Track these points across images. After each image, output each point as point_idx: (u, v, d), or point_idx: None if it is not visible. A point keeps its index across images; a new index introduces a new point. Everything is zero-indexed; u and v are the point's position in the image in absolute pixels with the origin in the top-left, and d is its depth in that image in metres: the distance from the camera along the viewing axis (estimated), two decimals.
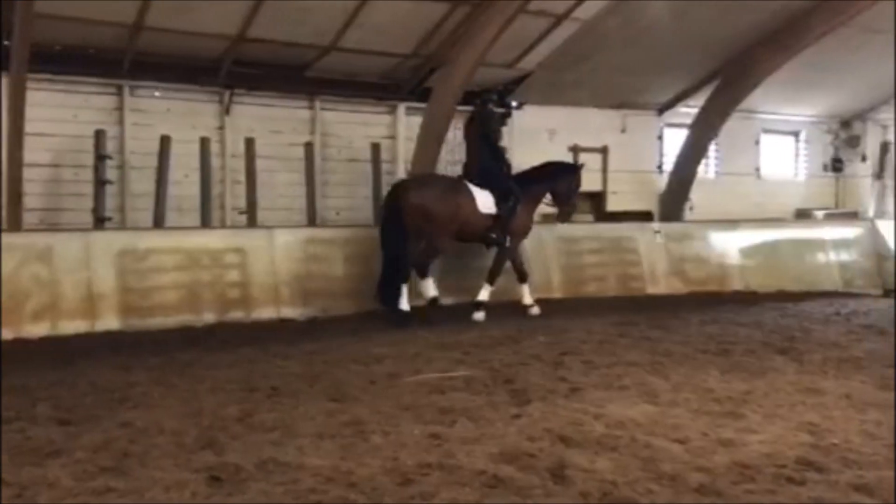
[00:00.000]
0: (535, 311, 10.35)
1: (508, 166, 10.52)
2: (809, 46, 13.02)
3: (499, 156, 10.30)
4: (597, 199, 14.97)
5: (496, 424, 5.40)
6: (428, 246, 9.68)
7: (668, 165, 15.40)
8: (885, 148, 17.08)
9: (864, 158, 17.24)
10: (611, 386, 6.55)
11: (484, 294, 10.09)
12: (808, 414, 5.68)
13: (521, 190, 10.07)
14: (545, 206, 10.91)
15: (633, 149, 15.22)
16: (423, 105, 12.36)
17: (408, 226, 9.45)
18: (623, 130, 15.12)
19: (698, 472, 4.45)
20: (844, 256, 14.01)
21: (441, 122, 11.68)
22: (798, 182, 17.45)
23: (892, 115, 16.69)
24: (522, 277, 10.44)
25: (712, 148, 15.79)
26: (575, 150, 14.67)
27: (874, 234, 14.35)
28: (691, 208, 15.01)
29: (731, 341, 8.67)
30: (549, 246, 12.12)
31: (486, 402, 5.99)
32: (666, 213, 14.67)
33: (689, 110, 15.06)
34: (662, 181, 15.34)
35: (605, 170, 15.02)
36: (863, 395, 6.25)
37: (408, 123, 13.05)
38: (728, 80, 13.98)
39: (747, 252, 13.46)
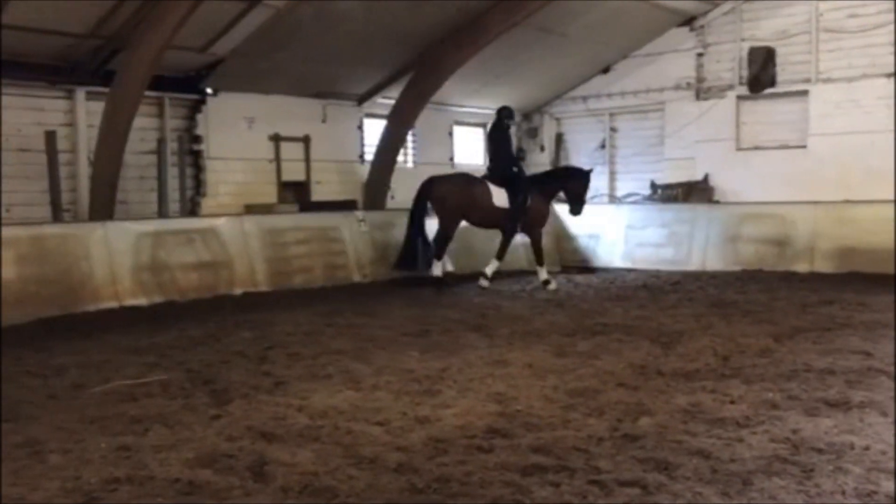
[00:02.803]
0: (553, 286, 11.82)
1: (520, 168, 12.36)
2: (490, 43, 13.96)
3: (512, 160, 12.27)
4: (301, 189, 14.88)
5: (194, 428, 5.14)
6: (443, 228, 11.85)
7: (370, 155, 15.72)
8: (559, 139, 18.89)
9: (542, 148, 18.91)
10: (315, 376, 6.53)
11: (491, 267, 12.14)
12: (496, 385, 6.09)
13: (536, 188, 11.96)
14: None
15: (335, 138, 15.34)
16: (107, 90, 11.38)
17: (436, 212, 11.88)
18: (324, 120, 15.16)
19: (397, 452, 4.56)
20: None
21: (126, 108, 10.84)
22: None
23: (564, 109, 18.50)
24: (540, 260, 12.20)
25: (410, 138, 16.39)
26: (276, 139, 14.46)
27: (552, 216, 15.80)
28: (392, 196, 15.47)
29: (430, 322, 9.07)
30: (253, 238, 11.83)
31: (183, 406, 5.68)
32: (369, 202, 14.97)
33: (387, 101, 15.48)
34: (365, 170, 15.63)
35: (307, 159, 14.97)
36: (543, 363, 6.83)
37: (90, 110, 11.98)
38: (420, 74, 14.57)
39: None
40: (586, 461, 4.36)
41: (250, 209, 13.30)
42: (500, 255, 12.25)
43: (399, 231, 13.64)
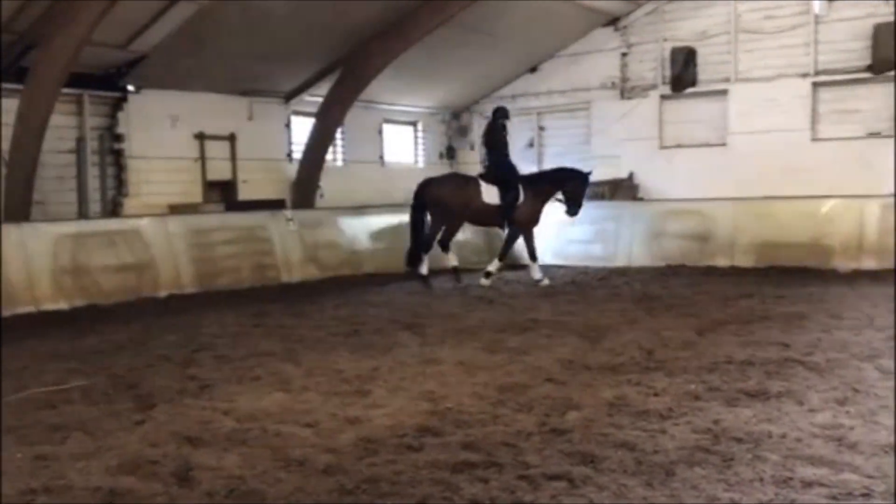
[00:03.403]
0: (546, 282, 11.99)
1: (510, 167, 12.35)
2: (418, 42, 13.98)
3: (503, 159, 12.37)
4: (227, 188, 14.63)
5: (116, 434, 5.00)
6: (447, 228, 12.33)
7: (298, 153, 15.56)
8: None
9: (472, 147, 19.03)
10: (243, 378, 6.43)
11: (493, 266, 12.34)
12: (427, 383, 6.10)
13: (531, 187, 12.19)
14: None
15: (262, 137, 15.12)
16: (21, 87, 10.97)
17: (430, 212, 12.14)
18: (250, 118, 14.94)
19: (326, 454, 4.52)
20: (459, 236, 15.25)
21: (42, 106, 10.47)
22: (418, 169, 18.68)
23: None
24: (533, 257, 12.31)
25: (339, 136, 16.28)
26: (201, 137, 14.17)
27: None
28: (322, 195, 15.34)
29: (361, 322, 9.02)
30: (178, 239, 11.58)
31: (106, 412, 5.52)
32: (298, 201, 14.81)
33: (315, 99, 15.34)
34: (293, 169, 15.46)
35: (234, 158, 14.73)
36: (474, 361, 6.87)
37: (4, 108, 11.51)
38: (348, 71, 14.49)
39: (376, 236, 14.13)
40: (515, 456, 4.41)
41: (175, 209, 13.02)
42: (503, 255, 12.48)
43: (329, 230, 13.58)
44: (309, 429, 5.02)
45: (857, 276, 11.75)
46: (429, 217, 12.22)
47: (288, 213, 13.43)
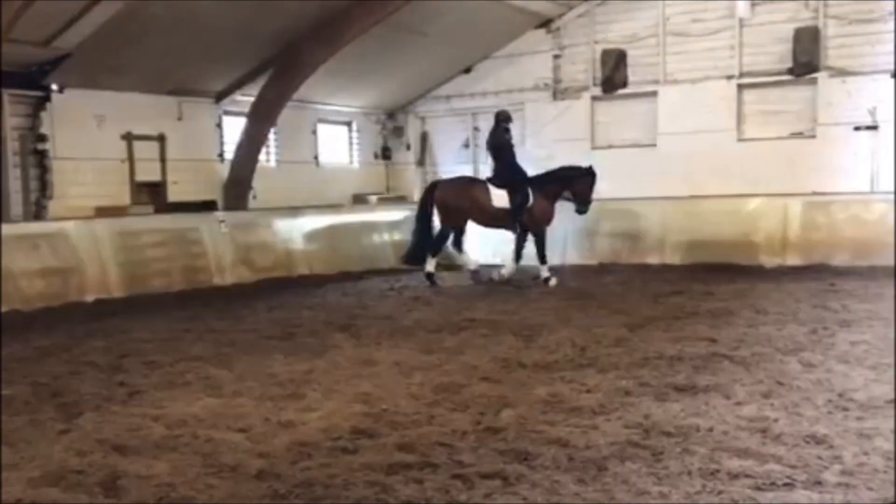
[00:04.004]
0: (553, 282, 11.98)
1: (517, 170, 12.42)
2: (352, 41, 13.88)
3: (510, 163, 12.40)
4: (156, 189, 14.29)
5: (39, 445, 4.85)
6: (454, 229, 12.55)
7: (230, 154, 15.29)
8: (424, 138, 19.04)
9: (408, 147, 19.00)
10: (173, 384, 6.30)
11: (507, 269, 12.49)
12: (362, 385, 6.07)
13: (539, 188, 12.26)
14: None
15: (192, 137, 14.80)
16: None
17: (438, 214, 12.50)
18: (180, 118, 14.60)
19: (259, 459, 4.46)
20: (396, 237, 15.32)
21: None
22: (353, 169, 18.59)
23: (428, 108, 18.66)
24: (543, 259, 12.31)
25: (272, 136, 16.06)
26: (128, 138, 13.81)
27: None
28: (254, 196, 15.11)
29: (295, 324, 8.93)
30: (105, 242, 11.28)
31: (28, 422, 5.35)
32: (230, 203, 14.55)
33: (247, 98, 15.10)
34: (224, 170, 15.19)
35: (163, 159, 14.36)
36: (410, 361, 6.87)
37: None
38: (281, 71, 14.30)
39: (311, 237, 14.01)
40: (449, 456, 4.42)
41: (102, 212, 12.65)
42: (516, 258, 12.62)
43: (262, 231, 13.41)
44: (241, 434, 4.94)
45: (782, 272, 12.14)
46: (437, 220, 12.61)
47: (220, 214, 13.20)
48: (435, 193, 12.57)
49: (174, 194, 14.33)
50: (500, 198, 12.21)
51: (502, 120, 12.65)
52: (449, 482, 4.05)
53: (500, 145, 12.51)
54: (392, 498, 3.89)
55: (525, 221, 12.33)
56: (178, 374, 6.61)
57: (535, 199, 12.30)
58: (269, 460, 4.43)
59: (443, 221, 12.57)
